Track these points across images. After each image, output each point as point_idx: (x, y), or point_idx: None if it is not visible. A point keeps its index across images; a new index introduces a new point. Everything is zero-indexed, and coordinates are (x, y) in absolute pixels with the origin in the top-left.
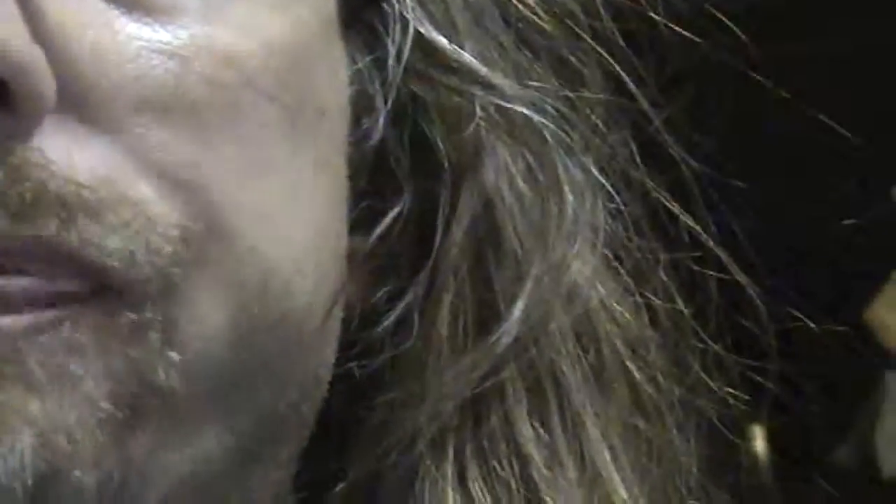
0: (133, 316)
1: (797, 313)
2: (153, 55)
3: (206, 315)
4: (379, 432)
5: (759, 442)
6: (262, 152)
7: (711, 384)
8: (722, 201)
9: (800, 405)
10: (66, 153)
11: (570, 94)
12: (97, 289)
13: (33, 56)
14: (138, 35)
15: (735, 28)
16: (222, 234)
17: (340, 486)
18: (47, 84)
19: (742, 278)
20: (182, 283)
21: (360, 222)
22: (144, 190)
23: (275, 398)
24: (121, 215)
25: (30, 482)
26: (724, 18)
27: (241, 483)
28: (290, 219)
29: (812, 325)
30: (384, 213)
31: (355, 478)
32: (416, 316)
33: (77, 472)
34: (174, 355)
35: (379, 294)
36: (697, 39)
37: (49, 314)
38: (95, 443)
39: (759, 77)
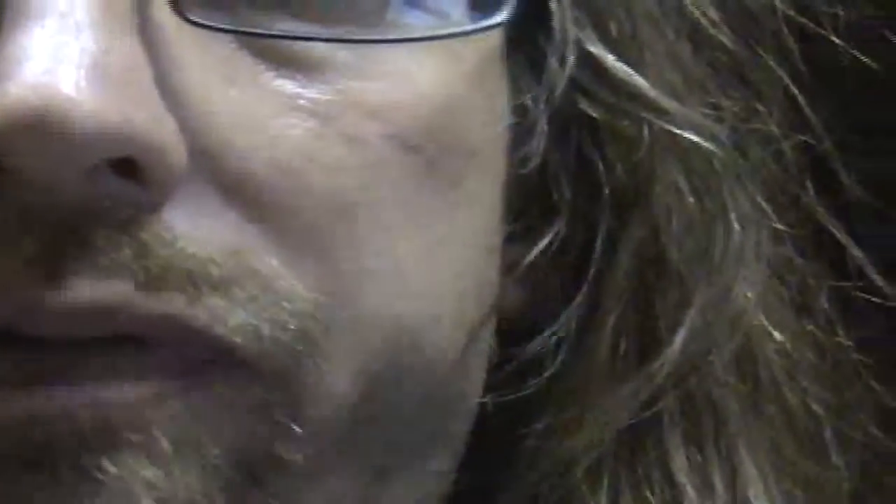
0: (260, 393)
1: None
2: (293, 114)
3: (332, 385)
4: (535, 457)
5: None
6: (399, 210)
7: (874, 431)
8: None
9: None
10: (194, 226)
11: (743, 121)
12: (224, 364)
13: (163, 133)
14: (282, 90)
15: None
16: (350, 304)
17: None
18: (177, 157)
19: None
20: (307, 359)
21: (519, 235)
22: (272, 262)
23: (410, 429)
24: (248, 290)
25: None
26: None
27: (372, 500)
28: (427, 271)
29: None
30: (544, 230)
31: (508, 501)
32: (572, 339)
33: None
34: (298, 430)
35: (535, 311)
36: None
37: (178, 382)
38: None
39: None
